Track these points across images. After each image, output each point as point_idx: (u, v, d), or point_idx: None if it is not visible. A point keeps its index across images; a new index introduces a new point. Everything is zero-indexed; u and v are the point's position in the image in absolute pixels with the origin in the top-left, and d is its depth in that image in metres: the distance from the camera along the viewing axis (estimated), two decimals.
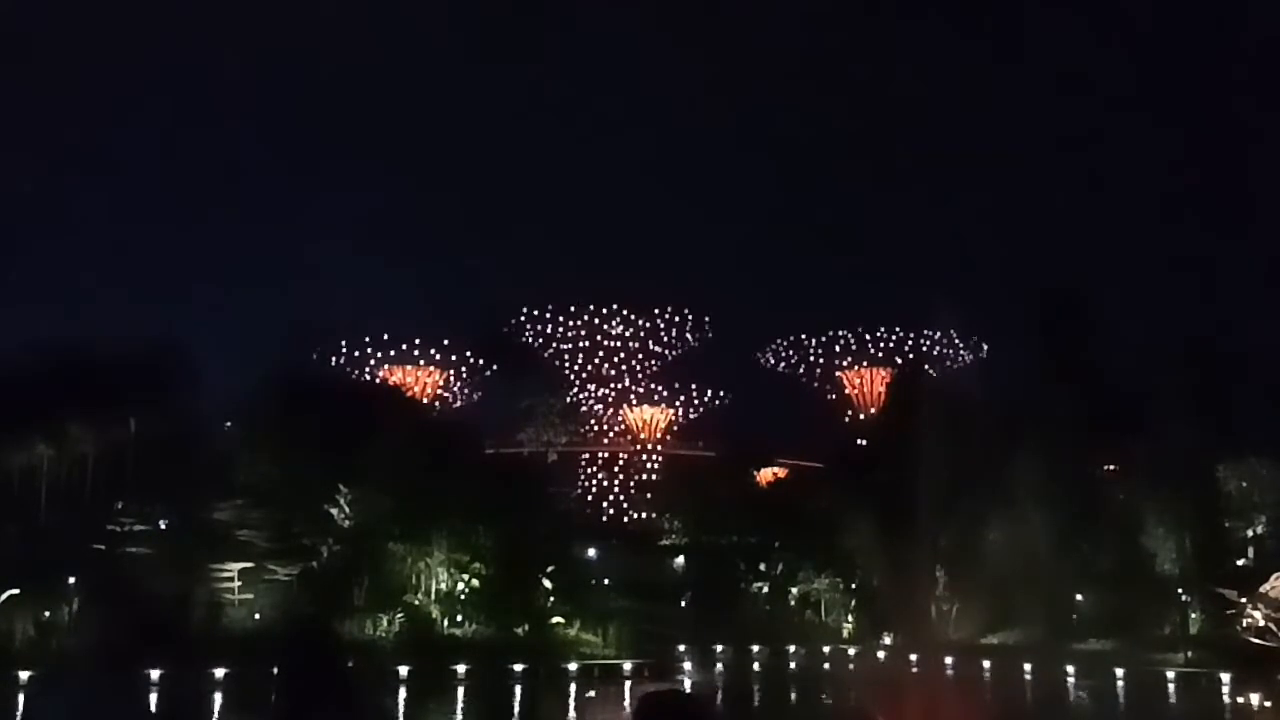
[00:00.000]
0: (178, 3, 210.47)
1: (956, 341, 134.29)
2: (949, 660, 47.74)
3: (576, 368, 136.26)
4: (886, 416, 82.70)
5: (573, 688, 48.77)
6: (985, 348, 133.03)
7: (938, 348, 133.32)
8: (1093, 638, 54.76)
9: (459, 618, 56.12)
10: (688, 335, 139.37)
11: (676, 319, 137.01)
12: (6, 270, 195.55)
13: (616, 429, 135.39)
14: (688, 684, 47.60)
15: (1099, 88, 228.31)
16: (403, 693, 43.83)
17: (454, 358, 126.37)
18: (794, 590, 69.63)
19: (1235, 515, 61.08)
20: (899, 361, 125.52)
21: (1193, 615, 57.58)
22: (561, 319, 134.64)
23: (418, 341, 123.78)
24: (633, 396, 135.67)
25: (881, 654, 57.08)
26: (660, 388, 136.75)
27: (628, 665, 54.06)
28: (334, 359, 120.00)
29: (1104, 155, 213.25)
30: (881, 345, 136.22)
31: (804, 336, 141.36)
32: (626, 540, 79.81)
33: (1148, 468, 60.06)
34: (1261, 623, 50.95)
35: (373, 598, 54.34)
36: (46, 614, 48.93)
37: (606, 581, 68.01)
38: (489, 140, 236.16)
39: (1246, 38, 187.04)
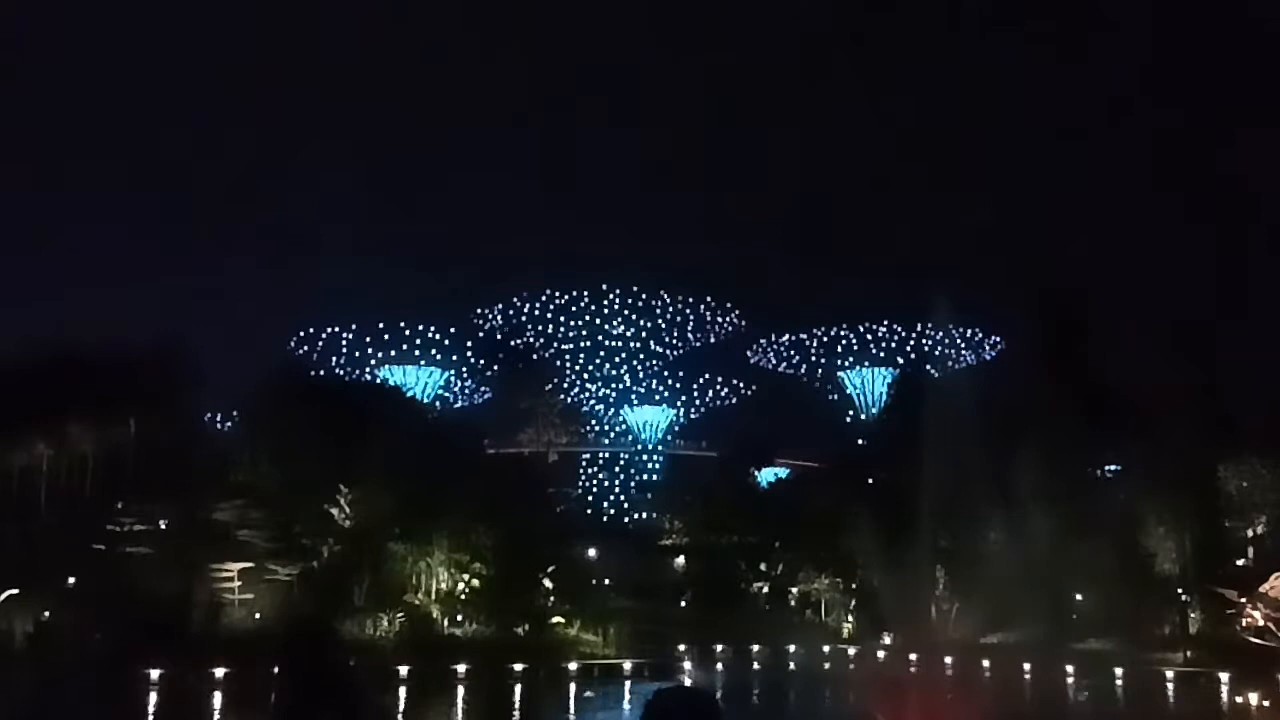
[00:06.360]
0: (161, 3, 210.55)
1: (958, 341, 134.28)
2: (949, 660, 47.64)
3: (576, 368, 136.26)
4: (887, 416, 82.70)
5: (573, 688, 48.77)
6: (986, 347, 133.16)
7: (938, 348, 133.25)
8: (1093, 637, 54.76)
9: (459, 618, 56.12)
10: (689, 334, 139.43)
11: (678, 318, 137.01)
12: (7, 270, 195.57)
13: (616, 429, 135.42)
14: (687, 684, 47.52)
15: (1099, 85, 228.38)
16: (403, 692, 43.82)
17: (454, 358, 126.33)
18: (794, 590, 69.64)
19: (1235, 515, 61.13)
20: (899, 361, 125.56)
21: (1193, 615, 57.68)
22: (562, 319, 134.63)
23: (418, 341, 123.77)
24: (633, 396, 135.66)
25: (881, 654, 56.99)
26: (660, 388, 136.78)
27: (628, 665, 54.07)
28: (334, 359, 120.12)
29: (1106, 153, 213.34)
30: (882, 345, 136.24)
31: (804, 336, 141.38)
32: (626, 540, 79.83)
33: (1148, 468, 60.06)
34: (1261, 622, 50.96)
35: (373, 598, 54.34)
36: (46, 614, 48.96)
37: (606, 581, 68.10)
38: (490, 140, 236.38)
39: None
